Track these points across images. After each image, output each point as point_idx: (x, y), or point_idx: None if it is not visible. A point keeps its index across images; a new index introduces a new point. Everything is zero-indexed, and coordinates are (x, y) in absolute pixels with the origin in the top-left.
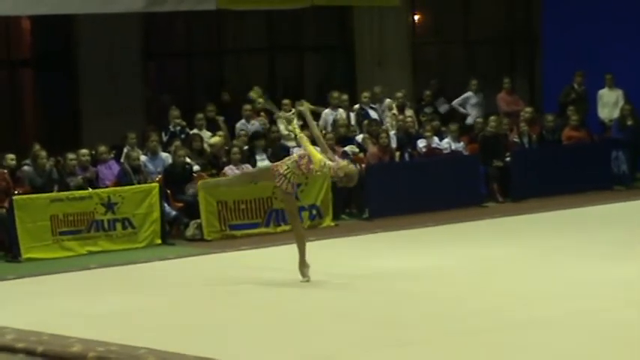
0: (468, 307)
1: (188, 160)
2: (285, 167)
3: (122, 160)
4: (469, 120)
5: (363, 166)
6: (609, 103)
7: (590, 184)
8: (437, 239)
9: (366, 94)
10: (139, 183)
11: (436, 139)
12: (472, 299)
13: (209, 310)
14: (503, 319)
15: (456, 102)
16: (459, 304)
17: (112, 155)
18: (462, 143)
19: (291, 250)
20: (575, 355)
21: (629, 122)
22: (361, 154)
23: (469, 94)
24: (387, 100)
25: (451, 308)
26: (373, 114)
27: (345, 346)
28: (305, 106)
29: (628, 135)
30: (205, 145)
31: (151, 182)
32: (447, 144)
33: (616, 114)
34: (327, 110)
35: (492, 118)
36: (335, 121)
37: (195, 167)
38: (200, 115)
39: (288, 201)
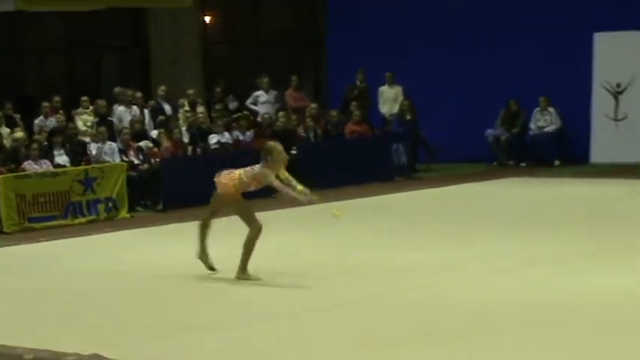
0: (260, 295)
1: None
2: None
3: None
4: (259, 118)
5: (157, 160)
6: (389, 99)
7: (373, 175)
8: (228, 229)
9: (162, 87)
10: None
11: (226, 134)
12: (264, 286)
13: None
14: (298, 304)
15: (248, 101)
16: (254, 291)
17: None
18: (248, 134)
19: (87, 241)
20: (373, 336)
21: (408, 117)
22: (155, 149)
23: (260, 92)
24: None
25: (243, 295)
26: (168, 109)
27: (125, 335)
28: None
29: (407, 129)
30: (5, 142)
31: None
32: (236, 138)
33: (396, 109)
34: (121, 108)
35: (281, 113)
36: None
37: None
38: None
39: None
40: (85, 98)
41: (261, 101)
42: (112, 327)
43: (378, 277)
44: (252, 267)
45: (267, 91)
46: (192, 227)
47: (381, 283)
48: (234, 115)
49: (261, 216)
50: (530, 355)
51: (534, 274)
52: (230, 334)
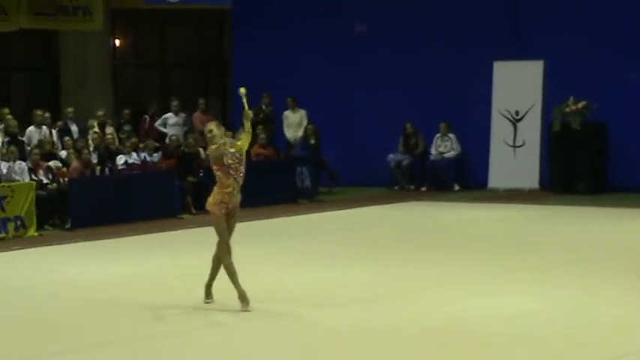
0: (158, 313)
1: None
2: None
3: None
4: (167, 140)
5: (67, 179)
6: (293, 123)
7: (277, 197)
8: (135, 249)
9: (70, 108)
10: None
11: (134, 154)
12: (164, 306)
13: None
14: (181, 322)
15: (157, 123)
16: (153, 310)
17: None
18: (156, 155)
19: None
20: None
21: (312, 141)
22: (64, 169)
23: (169, 114)
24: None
25: (142, 313)
26: (75, 130)
27: (44, 353)
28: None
29: (311, 152)
30: None
31: None
32: (144, 159)
33: (300, 133)
34: (31, 127)
35: (189, 136)
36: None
37: None
38: None
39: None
40: None
41: (170, 123)
42: (12, 346)
43: (267, 297)
44: (145, 285)
45: (176, 114)
46: (98, 246)
47: (275, 303)
48: None
49: (159, 237)
50: None
51: (430, 295)
52: (124, 349)
